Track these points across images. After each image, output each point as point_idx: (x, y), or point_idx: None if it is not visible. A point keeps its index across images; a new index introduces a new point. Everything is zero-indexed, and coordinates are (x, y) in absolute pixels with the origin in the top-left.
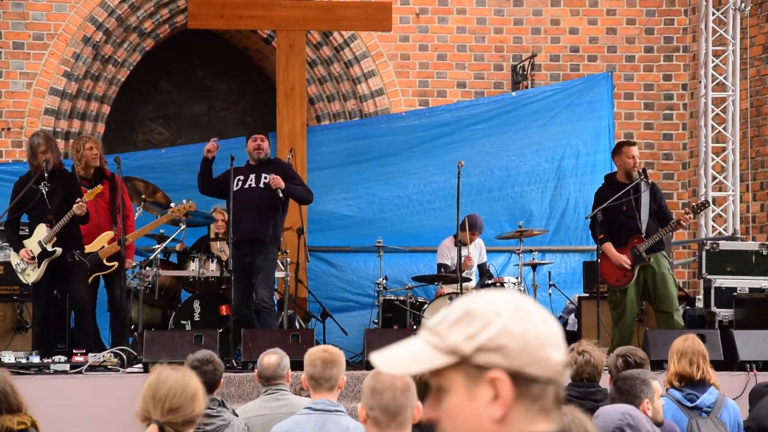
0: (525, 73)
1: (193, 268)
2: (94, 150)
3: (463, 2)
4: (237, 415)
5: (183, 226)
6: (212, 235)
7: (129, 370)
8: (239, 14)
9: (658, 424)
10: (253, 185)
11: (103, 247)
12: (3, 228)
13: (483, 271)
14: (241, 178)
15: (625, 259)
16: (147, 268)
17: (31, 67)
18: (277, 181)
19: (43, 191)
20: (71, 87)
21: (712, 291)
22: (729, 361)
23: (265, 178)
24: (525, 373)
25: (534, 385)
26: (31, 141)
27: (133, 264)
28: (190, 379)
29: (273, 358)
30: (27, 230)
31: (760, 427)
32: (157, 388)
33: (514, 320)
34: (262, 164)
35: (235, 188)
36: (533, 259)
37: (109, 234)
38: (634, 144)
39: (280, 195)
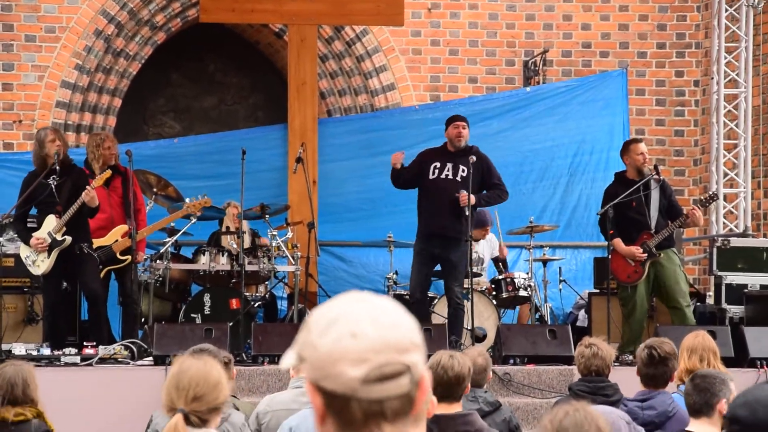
0: (537, 68)
1: (204, 261)
2: (112, 150)
3: None
4: (238, 409)
5: (194, 220)
6: (224, 229)
7: (139, 362)
8: (251, 8)
9: None
10: (450, 176)
11: (116, 240)
12: (12, 222)
13: (497, 265)
14: (438, 165)
15: (635, 250)
16: (157, 261)
17: (42, 59)
18: (465, 199)
19: (53, 185)
20: (83, 80)
21: (723, 288)
22: (739, 358)
23: (463, 171)
24: (321, 386)
25: (334, 399)
26: (38, 134)
27: (144, 257)
28: (212, 368)
29: None
30: (35, 223)
31: (732, 416)
32: (180, 378)
33: (317, 334)
34: (460, 152)
35: (431, 176)
36: (544, 254)
37: (122, 228)
38: (641, 141)
39: (466, 213)
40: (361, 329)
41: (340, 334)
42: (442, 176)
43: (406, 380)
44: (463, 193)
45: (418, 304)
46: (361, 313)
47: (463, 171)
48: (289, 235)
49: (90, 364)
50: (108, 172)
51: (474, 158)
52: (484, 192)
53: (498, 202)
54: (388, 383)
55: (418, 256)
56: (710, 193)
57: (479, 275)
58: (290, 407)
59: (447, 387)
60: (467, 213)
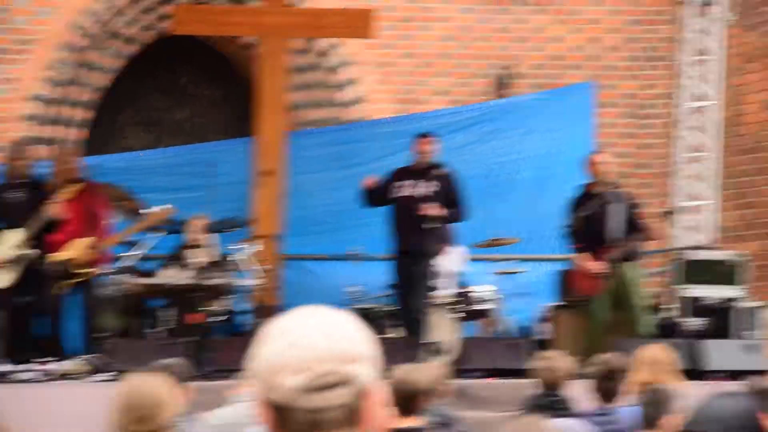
0: (508, 81)
1: (166, 275)
2: (71, 164)
3: (447, 10)
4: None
5: (159, 233)
6: (189, 243)
7: (99, 378)
8: (223, 20)
9: None
10: (417, 193)
11: (78, 253)
12: None
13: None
14: (405, 183)
15: (597, 266)
16: (119, 275)
17: (13, 72)
18: (429, 209)
19: (17, 199)
20: (54, 92)
21: (683, 301)
22: (698, 371)
23: (429, 187)
24: (268, 398)
25: (278, 411)
26: (7, 149)
27: (106, 271)
28: (157, 387)
29: None
30: None
31: None
32: (123, 399)
33: (263, 346)
34: (428, 168)
35: (399, 194)
36: (507, 267)
37: (85, 240)
38: (599, 151)
39: (430, 226)
40: (303, 339)
41: (282, 346)
42: (408, 193)
43: (347, 390)
44: (428, 205)
45: (418, 324)
46: (306, 325)
47: (429, 187)
48: (255, 248)
49: (50, 380)
50: (74, 187)
51: (444, 170)
52: (448, 210)
53: (456, 221)
54: (327, 393)
55: (399, 279)
56: (674, 206)
57: (441, 288)
58: (232, 421)
59: (406, 401)
60: (430, 226)
